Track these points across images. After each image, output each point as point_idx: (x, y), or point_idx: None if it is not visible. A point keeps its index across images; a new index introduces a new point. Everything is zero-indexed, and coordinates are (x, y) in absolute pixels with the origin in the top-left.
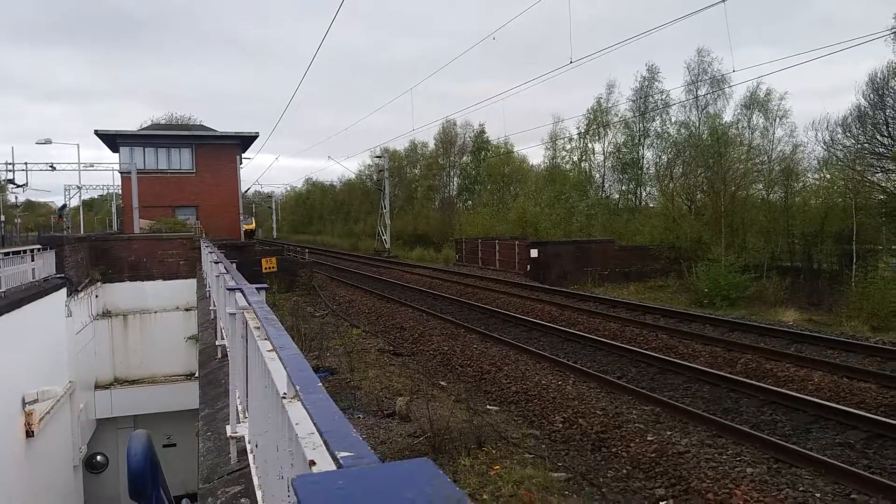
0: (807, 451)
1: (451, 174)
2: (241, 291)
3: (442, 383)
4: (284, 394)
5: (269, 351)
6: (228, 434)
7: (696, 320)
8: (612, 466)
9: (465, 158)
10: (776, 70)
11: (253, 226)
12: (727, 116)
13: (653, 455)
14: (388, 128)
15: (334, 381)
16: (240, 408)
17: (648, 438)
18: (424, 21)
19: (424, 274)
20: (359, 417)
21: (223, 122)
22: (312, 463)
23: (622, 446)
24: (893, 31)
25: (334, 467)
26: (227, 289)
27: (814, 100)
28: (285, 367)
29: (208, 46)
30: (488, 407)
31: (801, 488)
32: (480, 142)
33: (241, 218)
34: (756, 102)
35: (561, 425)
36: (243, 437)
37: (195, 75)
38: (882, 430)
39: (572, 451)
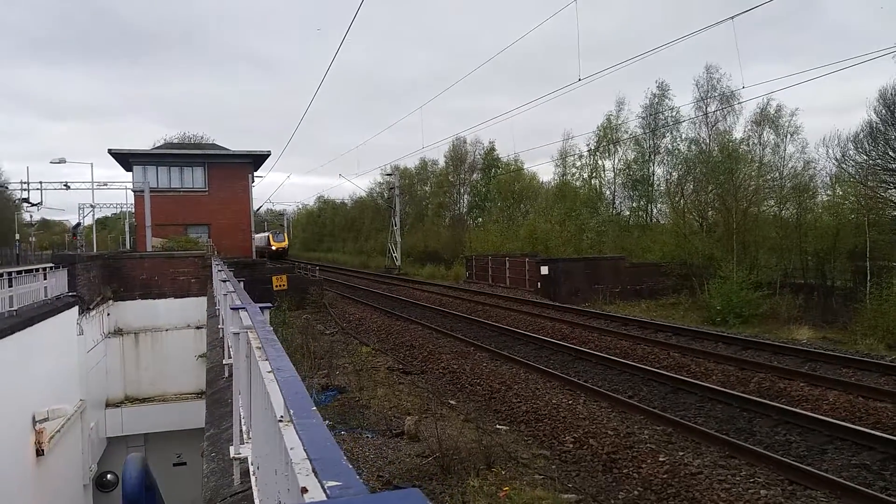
0: (822, 473)
1: (462, 191)
2: (246, 310)
3: (451, 402)
4: (281, 417)
5: (268, 372)
6: (232, 455)
7: (708, 338)
8: (623, 488)
9: (475, 176)
10: (786, 86)
11: (285, 244)
12: (737, 133)
13: (665, 476)
14: (399, 145)
15: (343, 400)
16: (244, 429)
17: (660, 459)
18: (436, 38)
19: (434, 291)
20: (367, 437)
21: (236, 140)
22: (305, 490)
23: (633, 467)
24: None
25: (324, 496)
26: (231, 308)
27: (826, 116)
28: (281, 390)
29: (222, 64)
30: (498, 426)
31: None
32: (490, 159)
33: (273, 234)
34: (766, 118)
35: (571, 445)
36: (247, 458)
37: (209, 93)
38: None
39: (583, 471)
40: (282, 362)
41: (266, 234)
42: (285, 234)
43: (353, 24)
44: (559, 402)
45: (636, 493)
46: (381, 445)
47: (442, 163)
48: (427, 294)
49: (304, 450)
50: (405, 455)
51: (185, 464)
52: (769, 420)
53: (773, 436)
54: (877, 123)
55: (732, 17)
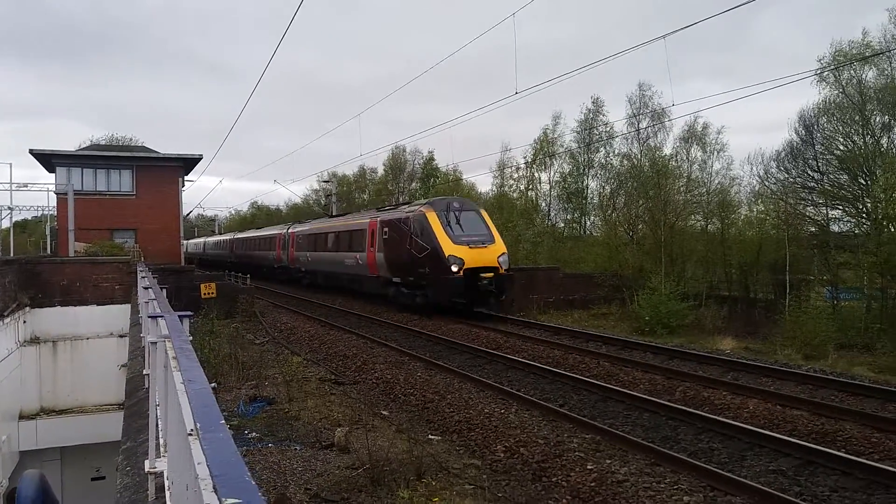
0: (741, 479)
1: (401, 200)
2: (164, 319)
3: (384, 413)
4: (191, 430)
5: (181, 383)
6: (147, 469)
7: (637, 348)
8: (553, 496)
9: (414, 184)
10: (714, 105)
11: None
12: (667, 149)
13: (593, 484)
14: (337, 152)
15: (272, 412)
16: (161, 441)
17: (588, 467)
18: (376, 45)
19: (371, 301)
20: (296, 449)
21: (170, 143)
22: None
23: (563, 475)
24: (818, 72)
25: None
26: (149, 316)
27: (755, 134)
28: (190, 403)
29: (157, 64)
30: (430, 436)
31: None
32: (429, 168)
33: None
34: (694, 136)
35: (503, 454)
36: (162, 472)
37: (142, 93)
38: (813, 456)
39: (513, 480)
40: (194, 373)
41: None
42: None
43: (289, 27)
44: (492, 412)
45: (565, 501)
46: (309, 458)
47: (381, 171)
48: (362, 304)
49: (207, 465)
50: (334, 467)
51: (103, 478)
52: (693, 428)
53: (696, 443)
54: (797, 143)
55: (664, 36)
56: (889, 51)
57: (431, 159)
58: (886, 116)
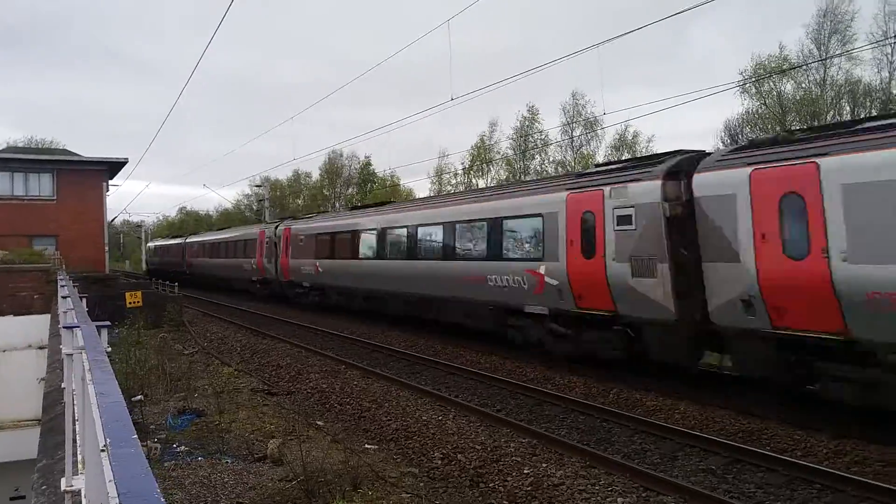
0: (672, 479)
1: (337, 205)
2: (80, 329)
3: (319, 423)
4: (104, 446)
5: (94, 397)
6: (63, 488)
7: None
8: (489, 502)
9: (350, 190)
10: (646, 113)
11: None
12: (599, 157)
13: (529, 489)
14: (271, 155)
15: (201, 424)
16: (79, 458)
17: (525, 471)
18: (310, 45)
19: (306, 307)
20: (227, 462)
21: (95, 145)
22: None
23: (499, 481)
24: (741, 84)
25: None
26: (64, 327)
27: (684, 142)
28: (102, 417)
29: (81, 63)
30: (367, 446)
31: None
32: (367, 173)
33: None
34: (625, 144)
35: (440, 461)
36: (80, 490)
37: (65, 93)
38: (740, 455)
39: (450, 487)
40: (108, 387)
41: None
42: None
43: (220, 26)
44: (429, 419)
45: None
46: (241, 471)
47: (316, 175)
48: (297, 311)
49: (115, 482)
50: (267, 480)
51: (23, 497)
52: (627, 430)
53: (630, 445)
54: None
55: (597, 45)
56: (806, 64)
57: (368, 164)
58: (805, 127)
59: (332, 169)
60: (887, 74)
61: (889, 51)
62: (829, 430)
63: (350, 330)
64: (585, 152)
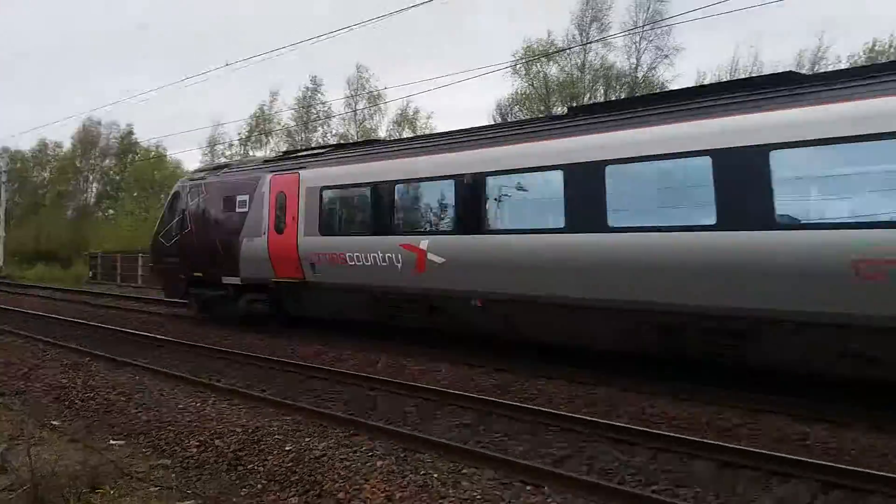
0: (427, 437)
1: (91, 179)
2: None
3: (54, 423)
4: None
5: None
6: None
7: None
8: (248, 483)
9: (108, 162)
10: (427, 90)
11: None
12: (382, 132)
13: (290, 465)
14: (12, 121)
15: None
16: None
17: (286, 448)
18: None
19: (46, 296)
20: None
21: None
22: None
23: (259, 461)
24: (512, 65)
25: None
26: None
27: (461, 119)
28: None
29: None
30: (112, 442)
31: (422, 472)
32: (128, 143)
33: None
34: (406, 119)
35: (195, 450)
36: None
37: None
38: (490, 408)
39: (206, 474)
40: None
41: None
42: None
43: None
44: (186, 406)
45: (260, 486)
46: None
47: (68, 145)
48: (36, 299)
49: None
50: None
51: None
52: (393, 396)
53: (394, 410)
54: None
55: (381, 17)
56: (569, 48)
57: (130, 133)
58: (565, 107)
59: (87, 138)
60: (635, 60)
61: (637, 38)
62: (564, 377)
63: (98, 318)
64: (368, 126)
